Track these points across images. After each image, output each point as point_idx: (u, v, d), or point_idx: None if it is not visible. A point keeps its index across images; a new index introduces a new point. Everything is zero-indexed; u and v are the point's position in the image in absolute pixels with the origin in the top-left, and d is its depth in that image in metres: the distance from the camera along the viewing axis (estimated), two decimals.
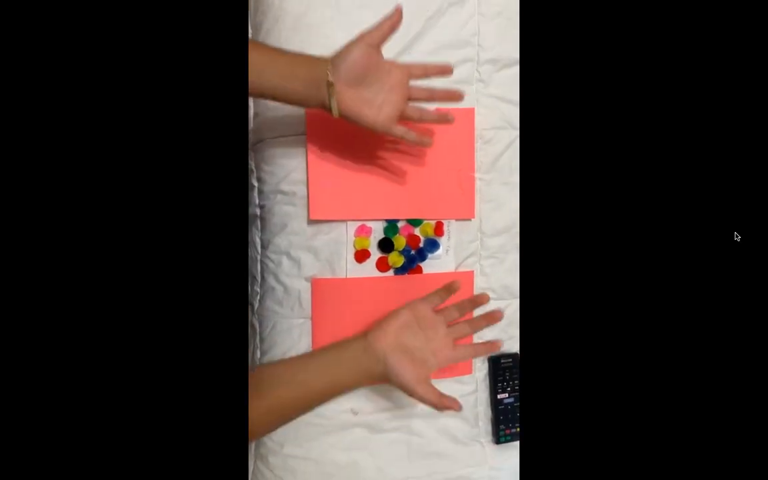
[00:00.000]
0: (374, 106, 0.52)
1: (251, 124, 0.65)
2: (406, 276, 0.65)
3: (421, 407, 0.67)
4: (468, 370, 0.69)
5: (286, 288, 0.64)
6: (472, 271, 0.68)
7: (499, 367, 0.69)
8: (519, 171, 0.68)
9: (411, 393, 0.55)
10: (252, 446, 0.67)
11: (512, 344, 0.71)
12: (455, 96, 0.57)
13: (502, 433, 0.69)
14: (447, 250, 0.66)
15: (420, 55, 0.64)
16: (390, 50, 0.63)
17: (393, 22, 0.52)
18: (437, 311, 0.58)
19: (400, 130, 0.54)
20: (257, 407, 0.50)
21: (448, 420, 0.68)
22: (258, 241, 0.67)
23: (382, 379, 0.55)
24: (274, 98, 0.52)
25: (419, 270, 0.65)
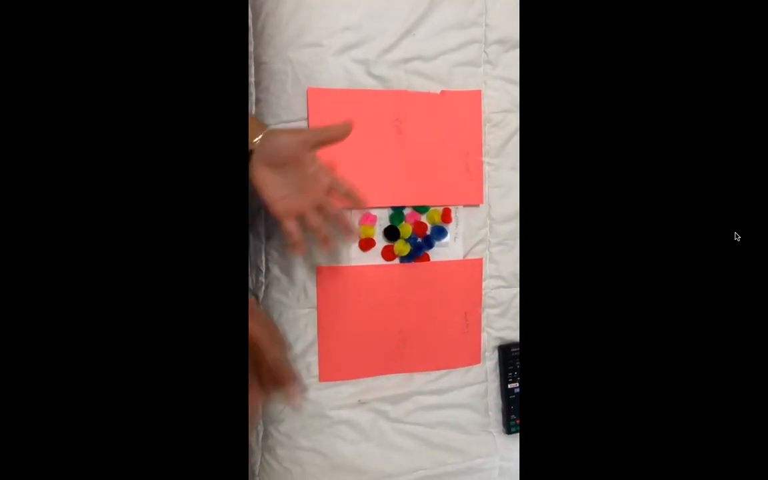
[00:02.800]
0: (278, 192, 0.51)
1: (253, 110, 0.64)
2: (413, 264, 0.63)
3: (430, 398, 0.66)
4: (477, 360, 0.67)
5: (290, 278, 0.63)
6: (481, 259, 0.66)
7: (509, 356, 0.67)
8: (519, 158, 0.66)
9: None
10: (259, 438, 0.66)
11: None
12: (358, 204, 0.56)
13: (513, 423, 0.67)
14: (455, 237, 0.65)
15: (425, 35, 0.62)
16: (394, 32, 0.61)
17: (338, 135, 0.51)
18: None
19: (289, 226, 0.52)
20: None
21: (457, 410, 0.67)
22: (262, 230, 0.65)
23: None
24: None
25: (426, 258, 0.64)
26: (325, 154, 0.61)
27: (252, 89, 0.64)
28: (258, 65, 0.62)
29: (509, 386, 0.67)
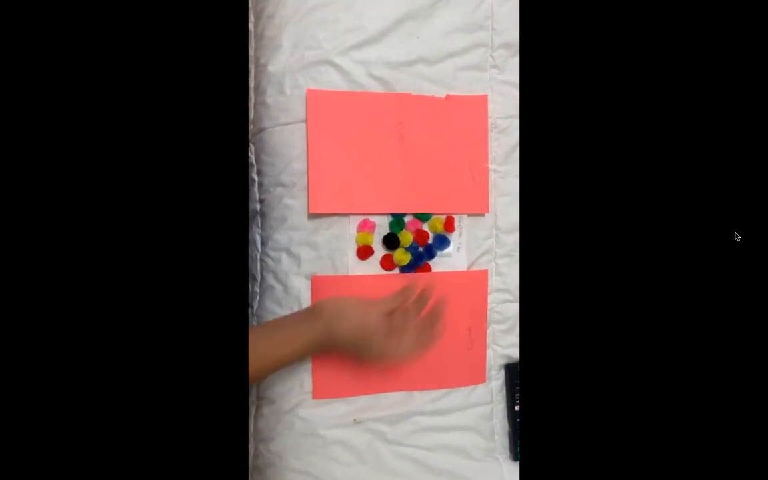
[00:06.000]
0: None
1: (251, 114, 0.62)
2: (413, 275, 0.60)
3: (431, 419, 0.62)
4: (482, 379, 0.63)
5: (285, 286, 0.60)
6: (486, 271, 0.63)
7: (516, 376, 0.63)
8: (519, 167, 0.63)
9: (366, 331, 0.53)
10: (249, 457, 0.63)
11: None
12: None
13: (520, 448, 0.63)
14: (458, 248, 0.62)
15: (430, 39, 0.60)
16: (395, 34, 0.59)
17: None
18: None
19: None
20: None
21: (460, 433, 0.62)
22: (258, 238, 0.63)
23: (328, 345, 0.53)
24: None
25: (427, 268, 0.61)
26: (320, 155, 0.58)
27: (251, 93, 0.63)
28: (257, 67, 0.61)
29: (516, 408, 0.63)
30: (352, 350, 0.54)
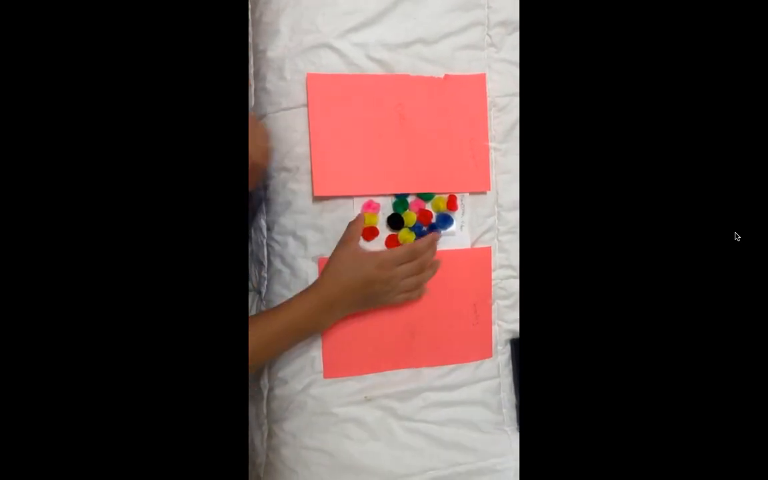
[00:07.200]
0: None
1: (252, 101, 0.63)
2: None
3: (440, 395, 0.63)
4: (488, 354, 0.64)
5: (292, 270, 0.61)
6: (490, 248, 0.64)
7: None
8: (519, 146, 0.64)
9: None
10: (264, 438, 0.64)
11: None
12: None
13: None
14: (461, 226, 0.62)
15: (427, 19, 0.61)
16: (393, 16, 0.60)
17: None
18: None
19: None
20: None
21: (469, 407, 0.64)
22: (264, 223, 0.64)
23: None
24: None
25: None
26: (322, 139, 0.59)
27: (251, 80, 0.63)
28: (256, 54, 0.61)
29: None
30: (358, 298, 0.57)
